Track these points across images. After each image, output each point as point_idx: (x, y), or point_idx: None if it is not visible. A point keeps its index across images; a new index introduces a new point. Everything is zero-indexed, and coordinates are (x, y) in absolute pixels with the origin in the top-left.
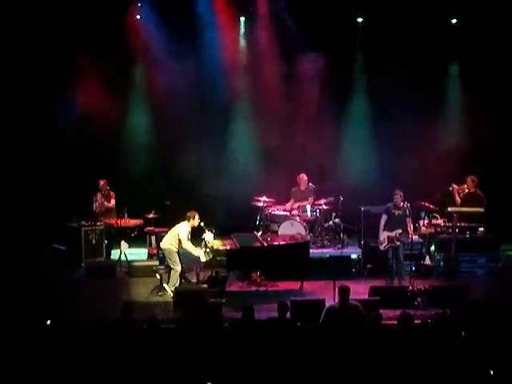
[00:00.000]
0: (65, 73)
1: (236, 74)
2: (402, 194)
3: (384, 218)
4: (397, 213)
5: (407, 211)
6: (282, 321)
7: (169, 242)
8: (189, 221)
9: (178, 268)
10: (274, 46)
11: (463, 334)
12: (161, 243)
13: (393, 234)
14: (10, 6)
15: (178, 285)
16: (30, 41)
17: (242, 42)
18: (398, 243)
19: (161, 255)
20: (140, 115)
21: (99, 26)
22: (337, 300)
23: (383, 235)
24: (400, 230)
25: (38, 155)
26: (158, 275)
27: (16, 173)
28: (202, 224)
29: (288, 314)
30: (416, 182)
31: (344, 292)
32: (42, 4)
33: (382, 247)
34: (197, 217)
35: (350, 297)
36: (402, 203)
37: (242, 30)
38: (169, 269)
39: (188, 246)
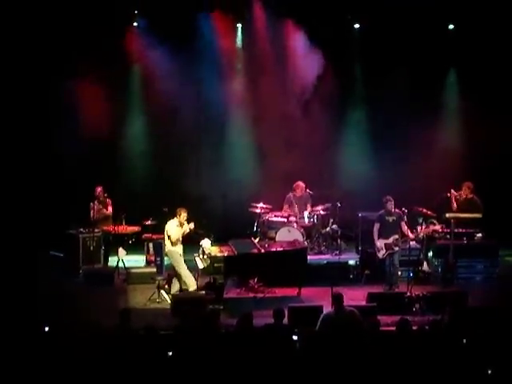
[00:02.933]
0: (63, 82)
1: (234, 82)
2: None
3: (377, 225)
4: (391, 219)
5: (401, 216)
6: (279, 327)
7: (167, 245)
8: (176, 217)
9: (183, 271)
10: (271, 54)
11: (462, 340)
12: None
13: (390, 240)
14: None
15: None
16: (30, 46)
17: (240, 50)
18: (396, 249)
19: (158, 262)
20: (138, 123)
21: (99, 34)
22: (332, 307)
23: (379, 243)
24: (396, 236)
25: (36, 163)
26: (155, 282)
27: (14, 180)
28: (192, 228)
29: (285, 321)
30: (414, 188)
31: (337, 299)
32: (42, 14)
33: (380, 255)
34: (183, 213)
35: (348, 303)
36: (393, 209)
37: (240, 38)
38: (167, 277)
39: (173, 234)
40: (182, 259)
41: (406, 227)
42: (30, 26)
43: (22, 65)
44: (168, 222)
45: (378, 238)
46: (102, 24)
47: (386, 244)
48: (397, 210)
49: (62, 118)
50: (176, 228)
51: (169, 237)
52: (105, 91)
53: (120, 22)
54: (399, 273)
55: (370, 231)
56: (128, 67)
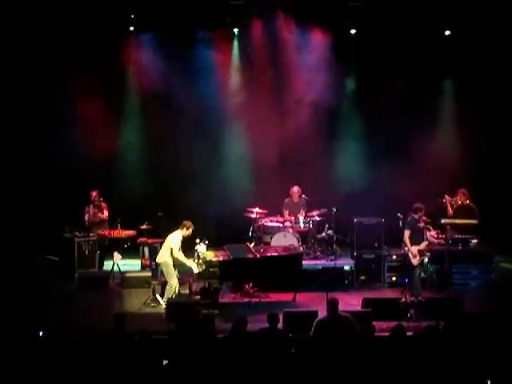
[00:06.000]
0: (58, 87)
1: (231, 89)
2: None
3: (408, 232)
4: (421, 225)
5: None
6: (274, 332)
7: (164, 255)
8: (182, 229)
9: (174, 282)
10: (266, 61)
11: (457, 346)
12: (157, 258)
13: (422, 246)
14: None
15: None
16: (27, 52)
17: (237, 57)
18: (428, 254)
19: (153, 266)
20: (134, 128)
21: (95, 40)
22: (326, 313)
23: (414, 250)
24: (427, 242)
25: (31, 166)
26: (150, 286)
27: (10, 184)
28: (198, 240)
29: (280, 326)
30: (409, 194)
31: (333, 305)
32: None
33: (415, 262)
34: (191, 228)
35: (343, 308)
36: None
37: (237, 46)
38: (162, 282)
39: (179, 255)
40: (173, 270)
41: (427, 234)
42: (28, 31)
43: (19, 66)
44: (173, 234)
45: (411, 245)
46: (99, 30)
47: (419, 250)
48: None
49: (58, 123)
50: (179, 242)
51: (171, 249)
52: (101, 96)
53: (117, 29)
54: (394, 278)
55: (365, 237)
56: (125, 74)
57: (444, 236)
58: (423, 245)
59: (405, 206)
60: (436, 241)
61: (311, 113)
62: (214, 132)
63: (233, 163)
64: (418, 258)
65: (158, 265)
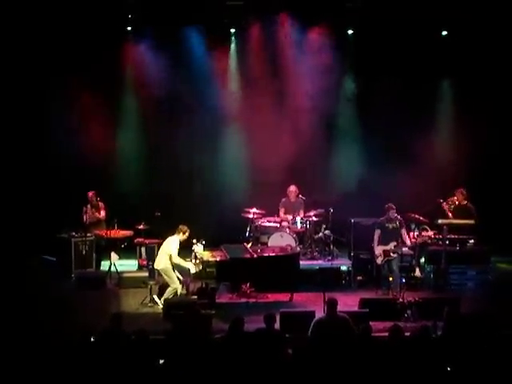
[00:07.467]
0: (57, 88)
1: (229, 90)
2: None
3: (377, 232)
4: (391, 226)
5: (401, 223)
6: (270, 332)
7: (163, 261)
8: (178, 233)
9: (176, 286)
10: (264, 62)
11: (454, 346)
12: (155, 264)
13: (388, 247)
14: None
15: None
16: (27, 52)
17: (234, 60)
18: (395, 255)
19: (150, 266)
20: (131, 128)
21: (94, 44)
22: (325, 313)
23: (378, 249)
24: (395, 243)
25: (28, 167)
26: (148, 286)
27: (6, 184)
28: (195, 241)
29: (277, 326)
30: (406, 194)
31: (332, 305)
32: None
33: (378, 261)
34: (187, 233)
35: (340, 309)
36: (395, 216)
37: (234, 47)
38: (160, 283)
39: (178, 260)
40: (174, 274)
41: (405, 234)
42: (27, 31)
43: (19, 66)
44: (170, 239)
45: (378, 245)
46: (97, 30)
47: (384, 251)
48: (398, 217)
49: (55, 123)
50: (177, 247)
51: (169, 255)
52: (99, 96)
53: (114, 29)
54: (391, 278)
55: (362, 237)
56: (123, 74)
57: (416, 237)
58: (390, 245)
59: (402, 207)
60: (409, 243)
61: (309, 113)
62: (212, 132)
63: (230, 164)
64: (381, 258)
65: (157, 271)
